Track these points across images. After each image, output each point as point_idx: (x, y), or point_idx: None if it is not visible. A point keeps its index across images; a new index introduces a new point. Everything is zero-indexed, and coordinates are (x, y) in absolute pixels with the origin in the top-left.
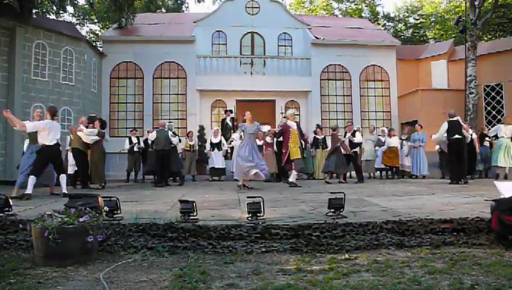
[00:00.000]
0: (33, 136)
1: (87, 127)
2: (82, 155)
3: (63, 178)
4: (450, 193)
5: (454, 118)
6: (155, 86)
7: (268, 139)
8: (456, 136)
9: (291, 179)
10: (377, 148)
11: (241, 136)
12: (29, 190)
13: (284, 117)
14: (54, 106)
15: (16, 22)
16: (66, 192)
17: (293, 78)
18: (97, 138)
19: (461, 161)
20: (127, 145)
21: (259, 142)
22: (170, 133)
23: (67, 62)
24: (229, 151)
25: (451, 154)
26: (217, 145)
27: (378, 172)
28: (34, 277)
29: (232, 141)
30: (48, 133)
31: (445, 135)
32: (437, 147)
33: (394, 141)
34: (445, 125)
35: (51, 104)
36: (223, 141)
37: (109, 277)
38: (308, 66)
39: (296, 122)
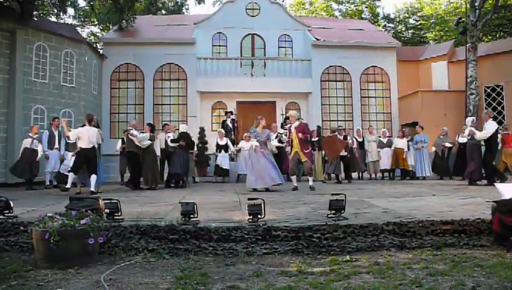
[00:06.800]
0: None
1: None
2: (136, 158)
3: (93, 178)
4: (450, 194)
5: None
6: (155, 87)
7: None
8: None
9: (310, 183)
10: (379, 149)
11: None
12: (68, 185)
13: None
14: (90, 114)
15: (17, 24)
16: (94, 190)
17: (294, 80)
18: (149, 142)
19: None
20: (118, 146)
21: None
22: None
23: (68, 64)
24: (235, 153)
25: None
26: (223, 147)
27: (380, 173)
28: (35, 279)
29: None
30: (84, 138)
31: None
32: (433, 149)
33: (401, 142)
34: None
35: (51, 106)
36: (229, 143)
37: (110, 279)
38: (308, 68)
39: (298, 124)
